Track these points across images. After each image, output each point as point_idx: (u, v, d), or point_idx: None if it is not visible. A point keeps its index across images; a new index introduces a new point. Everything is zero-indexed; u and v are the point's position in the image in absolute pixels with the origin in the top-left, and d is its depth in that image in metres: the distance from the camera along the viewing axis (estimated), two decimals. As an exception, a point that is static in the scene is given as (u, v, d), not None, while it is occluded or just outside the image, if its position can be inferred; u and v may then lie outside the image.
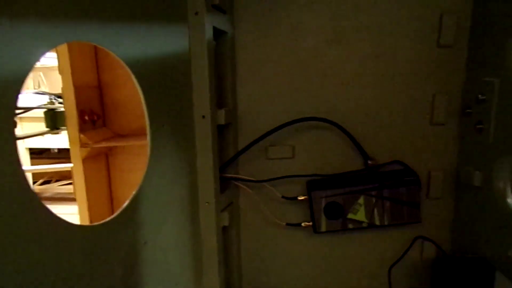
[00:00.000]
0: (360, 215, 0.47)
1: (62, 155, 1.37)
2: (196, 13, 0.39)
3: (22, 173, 0.19)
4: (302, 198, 0.49)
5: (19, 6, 0.19)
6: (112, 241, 0.28)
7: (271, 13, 0.48)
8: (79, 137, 0.44)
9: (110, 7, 0.27)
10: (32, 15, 0.20)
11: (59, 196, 1.31)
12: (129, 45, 0.29)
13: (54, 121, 0.56)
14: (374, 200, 0.47)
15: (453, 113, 0.49)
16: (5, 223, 0.19)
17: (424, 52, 0.48)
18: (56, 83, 1.33)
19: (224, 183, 0.47)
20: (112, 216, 0.28)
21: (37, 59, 0.20)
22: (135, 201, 0.31)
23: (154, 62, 0.34)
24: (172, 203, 0.37)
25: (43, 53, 0.21)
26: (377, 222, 0.48)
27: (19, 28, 0.19)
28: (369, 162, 0.49)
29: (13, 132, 0.19)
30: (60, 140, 1.15)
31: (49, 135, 0.70)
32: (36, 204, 0.20)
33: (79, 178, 0.45)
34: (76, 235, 0.24)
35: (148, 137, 0.32)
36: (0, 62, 0.18)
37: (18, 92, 0.19)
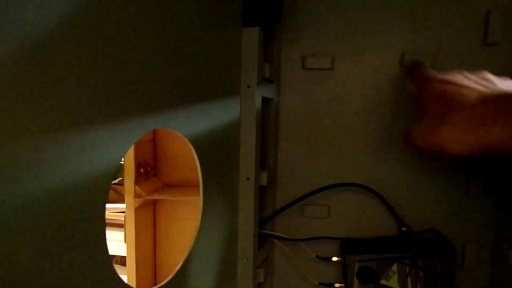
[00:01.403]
0: (393, 283, 0.48)
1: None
2: (248, 86, 0.43)
3: (107, 255, 0.23)
4: (336, 259, 0.50)
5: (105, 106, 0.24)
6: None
7: (315, 81, 0.52)
8: (134, 188, 0.49)
9: (178, 95, 0.32)
10: (124, 113, 0.25)
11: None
12: (191, 125, 0.34)
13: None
14: (407, 269, 0.48)
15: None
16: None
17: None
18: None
19: (261, 239, 0.50)
20: (171, 276, 0.31)
21: (124, 154, 0.24)
22: (186, 262, 0.34)
23: (209, 133, 0.38)
24: (217, 260, 0.40)
25: (129, 146, 0.25)
26: (410, 291, 0.48)
27: (106, 130, 0.24)
28: (403, 228, 0.50)
29: (104, 223, 0.23)
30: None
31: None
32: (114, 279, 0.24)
33: (130, 226, 0.49)
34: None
35: (200, 202, 0.36)
36: (90, 161, 0.22)
37: (108, 188, 0.23)
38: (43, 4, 0.19)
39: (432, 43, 0.48)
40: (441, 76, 0.37)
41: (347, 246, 0.50)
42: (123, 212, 0.53)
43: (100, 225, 0.23)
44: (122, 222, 0.57)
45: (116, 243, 0.80)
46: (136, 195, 0.49)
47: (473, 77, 0.36)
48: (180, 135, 0.32)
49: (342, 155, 0.52)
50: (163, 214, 0.54)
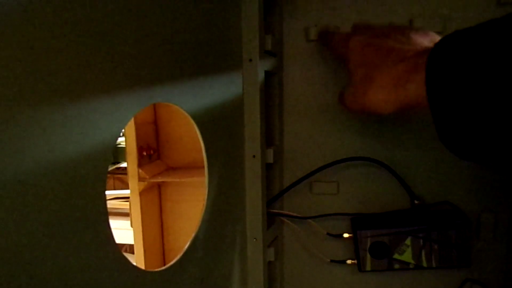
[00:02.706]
0: (406, 256, 0.47)
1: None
2: (250, 60, 0.41)
3: (110, 233, 0.22)
4: (347, 236, 0.49)
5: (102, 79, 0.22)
6: (177, 282, 0.30)
7: (319, 53, 0.50)
8: (138, 171, 0.48)
9: (178, 68, 0.30)
10: (117, 87, 0.23)
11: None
12: (192, 99, 0.32)
13: (115, 155, 0.61)
14: (421, 242, 0.46)
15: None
16: (91, 276, 0.21)
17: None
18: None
19: (270, 218, 0.49)
20: (177, 259, 0.30)
21: (123, 127, 0.23)
22: (194, 241, 0.33)
23: (212, 109, 0.36)
24: (225, 239, 0.39)
25: (127, 121, 0.23)
26: (425, 264, 0.47)
27: (104, 101, 0.22)
28: (416, 201, 0.49)
29: (105, 201, 0.22)
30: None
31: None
32: (118, 256, 0.23)
33: (136, 210, 0.48)
34: (147, 280, 0.26)
35: (206, 180, 0.34)
36: (88, 136, 0.21)
37: (109, 161, 0.22)
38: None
39: (442, 6, 0.46)
40: (358, 36, 0.37)
41: (358, 222, 0.49)
42: (125, 198, 0.52)
43: (101, 201, 0.22)
44: (128, 211, 0.56)
45: (123, 231, 0.79)
46: (140, 179, 0.48)
47: (391, 33, 0.36)
48: (183, 116, 0.31)
49: (350, 129, 0.50)
50: (169, 197, 0.53)
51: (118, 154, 0.59)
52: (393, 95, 0.32)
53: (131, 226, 0.49)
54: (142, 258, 0.49)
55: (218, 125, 0.37)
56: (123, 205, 0.98)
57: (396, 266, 0.47)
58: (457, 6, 0.46)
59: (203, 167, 0.35)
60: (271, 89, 0.49)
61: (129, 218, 0.54)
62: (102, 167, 0.22)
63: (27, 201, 0.17)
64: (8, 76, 0.16)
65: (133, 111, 0.24)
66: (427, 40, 0.35)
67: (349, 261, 0.50)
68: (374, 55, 0.35)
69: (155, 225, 0.52)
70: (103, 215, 0.22)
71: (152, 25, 0.26)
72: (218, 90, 0.37)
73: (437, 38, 0.37)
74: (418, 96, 0.30)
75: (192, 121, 0.32)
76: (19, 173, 0.17)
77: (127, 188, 0.51)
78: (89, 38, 0.21)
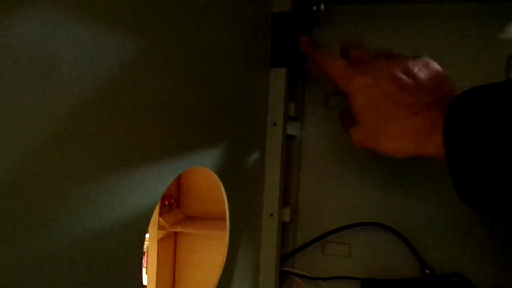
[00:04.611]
0: (416, 327, 0.47)
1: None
2: (274, 124, 0.45)
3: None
4: (357, 301, 0.49)
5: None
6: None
7: (337, 119, 0.53)
8: (158, 220, 0.50)
9: (213, 135, 0.33)
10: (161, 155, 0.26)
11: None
12: (221, 161, 0.35)
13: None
14: (432, 314, 0.46)
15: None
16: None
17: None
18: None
19: (281, 276, 0.49)
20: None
21: (163, 191, 0.25)
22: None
23: (236, 169, 0.39)
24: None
25: (167, 185, 0.26)
26: (435, 337, 0.46)
27: (148, 170, 0.25)
28: (427, 271, 0.49)
29: (141, 262, 0.23)
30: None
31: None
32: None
33: (152, 257, 0.49)
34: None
35: (227, 236, 0.36)
36: (130, 203, 0.23)
37: (146, 227, 0.24)
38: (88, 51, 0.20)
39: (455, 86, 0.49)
40: (362, 77, 0.35)
41: (369, 287, 0.50)
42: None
43: (139, 264, 0.23)
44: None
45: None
46: (160, 227, 0.50)
47: (395, 71, 0.34)
48: (204, 168, 0.33)
49: (364, 193, 0.52)
50: (184, 246, 0.55)
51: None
52: (410, 149, 0.32)
53: (146, 272, 0.50)
54: (154, 305, 0.49)
55: (240, 184, 0.39)
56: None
57: (406, 336, 0.47)
58: (468, 86, 0.49)
59: (219, 218, 0.37)
60: (290, 151, 0.51)
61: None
62: (143, 229, 0.24)
63: (75, 260, 0.19)
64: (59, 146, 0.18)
65: (172, 176, 0.27)
66: (434, 80, 0.34)
67: (358, 327, 0.50)
68: (383, 101, 0.33)
69: (168, 273, 0.53)
70: (139, 274, 0.23)
71: (189, 94, 0.29)
72: (243, 151, 0.39)
73: (442, 75, 0.35)
74: (437, 152, 0.30)
75: (218, 180, 0.34)
76: (70, 238, 0.18)
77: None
78: (134, 112, 0.23)
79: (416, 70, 0.34)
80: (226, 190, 0.36)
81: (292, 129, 0.49)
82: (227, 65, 0.35)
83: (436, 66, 0.36)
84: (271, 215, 0.45)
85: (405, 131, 0.32)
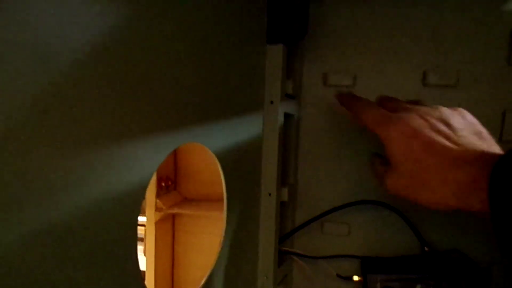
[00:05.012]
0: (416, 304, 0.47)
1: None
2: (272, 102, 0.44)
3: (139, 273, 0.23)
4: (357, 279, 0.49)
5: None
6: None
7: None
8: (156, 202, 0.49)
9: (207, 110, 0.32)
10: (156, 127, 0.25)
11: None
12: (217, 138, 0.34)
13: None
14: (431, 290, 0.46)
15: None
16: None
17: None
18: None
19: (280, 257, 0.49)
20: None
21: (156, 167, 0.25)
22: (211, 277, 0.34)
23: (233, 147, 0.38)
24: (238, 276, 0.40)
25: (161, 160, 0.25)
26: (434, 313, 0.47)
27: (141, 143, 0.24)
28: (426, 248, 0.49)
29: (136, 238, 0.23)
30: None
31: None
32: None
33: (150, 240, 0.49)
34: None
35: (224, 215, 0.36)
36: (123, 177, 0.22)
37: (140, 202, 0.23)
38: (82, 17, 0.19)
39: (455, 62, 0.48)
40: (402, 124, 0.34)
41: (368, 265, 0.50)
42: (142, 225, 0.54)
43: (133, 239, 0.23)
44: (141, 236, 0.57)
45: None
46: (157, 209, 0.49)
47: (433, 121, 0.34)
48: (202, 149, 0.32)
49: (363, 172, 0.51)
50: (182, 228, 0.54)
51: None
52: (451, 202, 0.31)
53: (144, 254, 0.50)
54: (153, 287, 0.49)
55: (238, 163, 0.39)
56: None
57: (405, 313, 0.47)
58: (469, 63, 0.48)
59: (218, 200, 0.36)
60: (288, 130, 0.51)
61: (140, 242, 0.55)
62: (137, 204, 0.23)
63: (67, 238, 0.19)
64: (50, 120, 0.18)
65: (167, 151, 0.26)
66: (473, 131, 0.34)
67: (357, 305, 0.50)
68: (423, 152, 0.32)
69: (167, 256, 0.53)
70: (134, 250, 0.23)
71: (186, 70, 0.28)
72: (240, 130, 0.39)
73: (477, 126, 0.35)
74: (480, 210, 0.29)
75: (215, 159, 0.34)
76: (64, 213, 0.18)
77: (142, 214, 0.52)
78: (129, 85, 0.22)
79: (454, 119, 0.34)
80: (223, 169, 0.35)
81: (289, 108, 0.48)
82: (222, 40, 0.34)
83: (471, 116, 0.36)
84: (270, 194, 0.44)
85: (447, 184, 0.31)
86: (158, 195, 0.50)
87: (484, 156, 0.30)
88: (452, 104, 0.41)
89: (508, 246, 0.28)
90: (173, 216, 0.55)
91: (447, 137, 0.33)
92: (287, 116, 0.48)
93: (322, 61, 0.51)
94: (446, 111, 0.35)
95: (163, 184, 0.51)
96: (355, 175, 0.51)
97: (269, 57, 0.43)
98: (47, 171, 0.17)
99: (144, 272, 0.50)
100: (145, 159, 0.24)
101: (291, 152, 0.51)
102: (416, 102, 0.40)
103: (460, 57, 0.48)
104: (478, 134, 0.34)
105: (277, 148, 0.44)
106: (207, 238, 0.53)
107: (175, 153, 0.55)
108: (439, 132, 0.33)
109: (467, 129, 0.34)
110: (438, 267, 0.47)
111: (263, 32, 0.43)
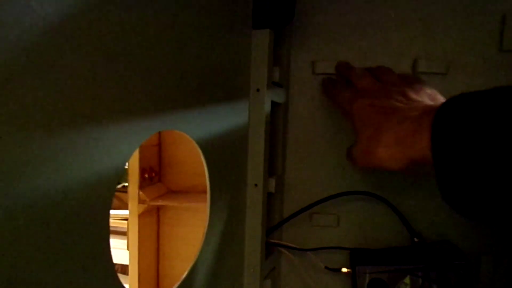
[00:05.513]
0: (405, 295, 0.46)
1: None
2: (258, 90, 0.42)
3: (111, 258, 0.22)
4: (346, 271, 0.49)
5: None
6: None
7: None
8: (138, 194, 0.48)
9: (187, 96, 0.30)
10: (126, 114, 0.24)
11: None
12: (199, 126, 0.32)
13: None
14: (420, 281, 0.46)
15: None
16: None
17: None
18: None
19: (268, 249, 0.48)
20: (176, 286, 0.29)
21: (132, 153, 0.23)
22: (193, 270, 0.33)
23: (217, 136, 0.36)
24: (223, 269, 0.39)
25: (135, 148, 0.24)
26: (423, 304, 0.46)
27: (114, 128, 0.23)
28: (415, 239, 0.49)
29: (108, 228, 0.22)
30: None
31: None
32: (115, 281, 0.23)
33: (133, 233, 0.47)
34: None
35: (208, 207, 0.34)
36: (95, 163, 0.21)
37: (113, 190, 0.22)
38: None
39: (445, 49, 0.47)
40: (362, 99, 0.39)
41: (357, 256, 0.49)
42: (126, 219, 0.52)
43: (104, 229, 0.21)
44: (125, 230, 0.56)
45: (118, 251, 0.78)
46: (140, 201, 0.48)
47: (392, 94, 0.38)
48: (187, 140, 0.31)
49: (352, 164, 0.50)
50: (167, 221, 0.53)
51: (121, 173, 0.59)
52: (400, 154, 0.33)
53: (127, 248, 0.48)
54: (137, 281, 0.48)
55: (222, 153, 0.37)
56: (119, 224, 0.97)
57: (394, 304, 0.46)
58: (459, 50, 0.47)
59: (203, 192, 0.35)
60: (276, 119, 0.49)
61: (124, 236, 0.53)
62: (109, 191, 0.22)
63: (35, 221, 0.18)
64: (23, 102, 0.17)
65: (142, 138, 0.25)
66: (426, 97, 0.37)
67: (346, 297, 0.49)
68: (378, 115, 0.36)
69: (151, 249, 0.52)
70: (105, 240, 0.22)
71: (162, 53, 0.27)
72: (224, 118, 0.37)
73: (436, 94, 0.39)
74: (425, 155, 0.30)
75: (197, 148, 0.32)
76: (31, 196, 0.17)
77: (125, 208, 0.51)
78: (100, 67, 0.21)
79: (406, 88, 0.38)
80: (206, 158, 0.34)
81: (276, 96, 0.46)
82: (205, 24, 0.32)
83: (421, 82, 0.41)
84: (256, 185, 0.43)
85: (395, 136, 0.34)
86: (141, 187, 0.48)
87: (427, 108, 0.33)
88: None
89: (448, 188, 0.29)
90: (158, 209, 0.53)
91: (400, 100, 0.36)
92: (274, 104, 0.46)
93: (310, 49, 0.50)
94: (402, 84, 0.40)
95: (147, 176, 0.49)
96: (344, 165, 0.50)
97: (254, 42, 0.42)
98: (5, 153, 0.16)
99: (127, 266, 0.48)
100: (118, 146, 0.22)
101: (279, 142, 0.50)
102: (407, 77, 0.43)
103: (451, 44, 0.47)
104: (433, 98, 0.38)
105: (264, 138, 0.42)
106: (193, 230, 0.51)
107: (159, 144, 0.54)
108: (392, 97, 0.37)
109: (424, 95, 0.38)
110: (427, 258, 0.47)
111: (249, 17, 0.41)
